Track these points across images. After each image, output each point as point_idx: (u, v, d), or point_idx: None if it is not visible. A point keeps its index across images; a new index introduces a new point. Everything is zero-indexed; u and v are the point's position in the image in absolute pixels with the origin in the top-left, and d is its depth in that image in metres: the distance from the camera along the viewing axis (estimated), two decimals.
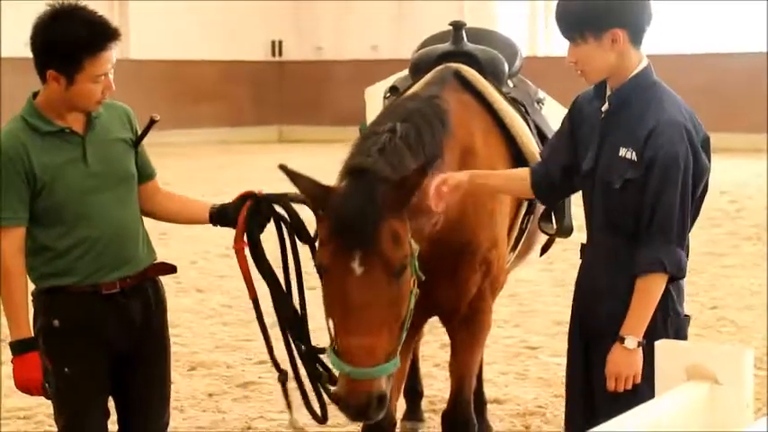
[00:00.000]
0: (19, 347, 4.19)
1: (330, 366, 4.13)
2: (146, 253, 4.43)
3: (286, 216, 4.49)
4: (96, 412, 4.37)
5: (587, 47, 3.98)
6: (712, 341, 7.90)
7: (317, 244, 4.20)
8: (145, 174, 4.47)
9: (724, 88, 23.48)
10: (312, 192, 4.12)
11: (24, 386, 4.23)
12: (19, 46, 24.67)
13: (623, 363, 3.93)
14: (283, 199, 4.48)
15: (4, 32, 24.91)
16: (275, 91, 28.91)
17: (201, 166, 20.96)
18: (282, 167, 4.15)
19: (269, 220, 4.51)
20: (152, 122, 4.40)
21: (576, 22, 3.99)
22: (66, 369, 4.24)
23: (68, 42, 4.08)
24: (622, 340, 3.93)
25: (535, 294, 9.70)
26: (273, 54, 29.98)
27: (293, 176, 4.12)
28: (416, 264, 4.10)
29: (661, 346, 2.32)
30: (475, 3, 26.86)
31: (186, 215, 4.63)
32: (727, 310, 9.23)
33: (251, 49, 29.29)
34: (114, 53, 4.18)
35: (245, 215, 4.47)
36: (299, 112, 26.84)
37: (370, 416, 4.00)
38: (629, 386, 3.91)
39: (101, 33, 4.15)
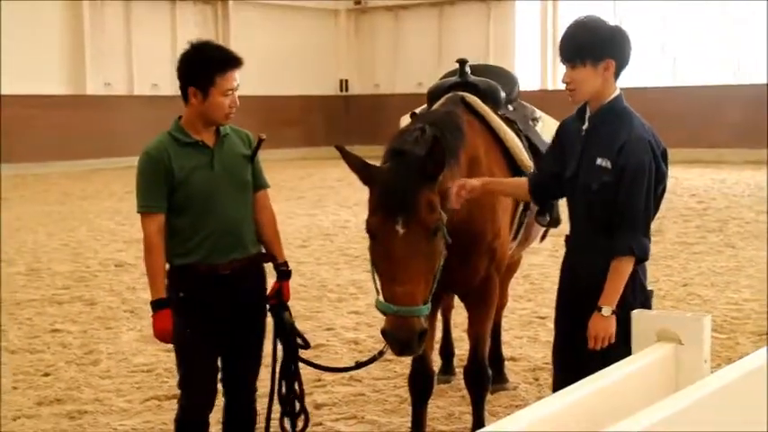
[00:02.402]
0: (156, 305, 4.24)
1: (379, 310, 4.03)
2: (252, 244, 4.43)
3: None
4: (208, 364, 4.38)
5: (585, 70, 3.91)
6: (680, 311, 7.80)
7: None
8: (256, 183, 4.47)
9: (693, 113, 23.33)
10: (359, 168, 4.06)
11: (160, 335, 4.27)
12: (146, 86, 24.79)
13: (600, 326, 3.88)
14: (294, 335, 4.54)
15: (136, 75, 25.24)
16: (343, 118, 29.05)
17: (287, 176, 21.05)
18: (338, 147, 4.11)
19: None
20: (260, 141, 4.45)
21: (581, 49, 3.91)
22: (188, 330, 4.26)
23: (203, 62, 4.19)
24: (599, 309, 3.89)
25: (544, 275, 9.62)
26: (341, 90, 30.15)
27: (345, 155, 4.07)
28: (445, 230, 4.06)
29: (636, 314, 2.28)
30: (498, 47, 26.84)
31: (264, 248, 4.54)
32: (695, 287, 9.11)
33: (324, 86, 29.48)
34: (238, 76, 4.24)
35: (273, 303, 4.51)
36: (360, 134, 26.86)
37: (413, 349, 3.91)
38: (605, 345, 3.88)
39: (227, 56, 4.25)
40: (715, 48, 24.58)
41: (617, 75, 3.96)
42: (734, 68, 24.33)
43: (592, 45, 3.90)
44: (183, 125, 4.31)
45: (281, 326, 4.48)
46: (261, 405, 4.68)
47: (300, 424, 4.59)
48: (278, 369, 4.56)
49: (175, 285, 4.32)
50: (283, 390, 4.54)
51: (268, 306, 4.49)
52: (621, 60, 3.94)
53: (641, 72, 24.08)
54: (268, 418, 4.59)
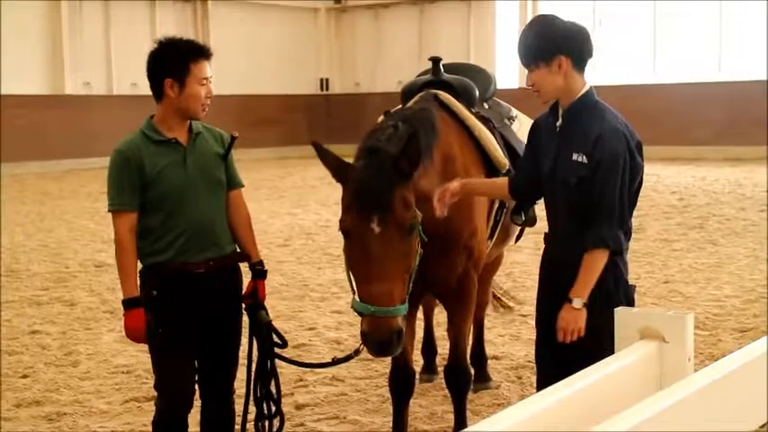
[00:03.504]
0: (128, 304, 4.21)
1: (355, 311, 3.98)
2: (227, 243, 4.40)
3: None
4: (183, 365, 4.35)
5: (540, 71, 3.94)
6: (663, 308, 7.80)
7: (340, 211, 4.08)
8: (231, 182, 4.44)
9: (675, 110, 23.42)
10: (335, 166, 4.01)
11: (132, 335, 4.24)
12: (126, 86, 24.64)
13: (570, 319, 3.87)
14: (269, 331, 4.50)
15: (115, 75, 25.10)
16: (323, 117, 29.00)
17: (267, 176, 21.01)
18: (314, 144, 4.05)
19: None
20: (233, 139, 4.42)
21: (531, 52, 3.96)
22: (160, 330, 4.24)
23: (177, 52, 4.20)
24: (570, 301, 3.88)
25: (526, 273, 9.60)
26: (322, 89, 30.10)
27: (321, 152, 4.02)
28: (420, 228, 4.02)
29: (619, 312, 2.25)
30: (478, 46, 26.87)
31: (240, 247, 4.51)
32: (676, 284, 9.13)
33: (304, 85, 29.42)
34: (210, 66, 4.25)
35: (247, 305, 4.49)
36: (341, 133, 26.71)
37: (391, 349, 3.87)
38: (575, 338, 3.86)
39: (198, 46, 4.28)
40: (696, 45, 24.67)
41: (580, 69, 3.96)
42: (715, 66, 24.40)
43: (539, 46, 3.94)
44: (155, 123, 4.27)
45: (256, 325, 4.44)
46: (240, 406, 4.65)
47: (276, 424, 4.56)
48: (254, 369, 4.53)
49: (147, 284, 4.30)
50: (258, 391, 4.51)
51: (244, 306, 4.46)
52: (576, 55, 3.94)
53: (622, 69, 24.18)
54: (244, 419, 4.56)
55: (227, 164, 4.40)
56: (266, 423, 4.54)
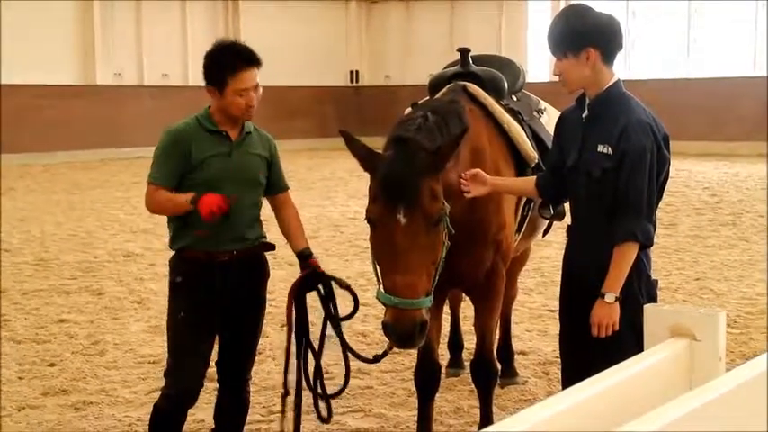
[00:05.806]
0: (193, 200, 4.19)
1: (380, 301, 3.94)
2: (253, 238, 4.44)
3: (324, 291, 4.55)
4: (199, 351, 4.37)
5: (568, 62, 3.92)
6: (694, 306, 7.73)
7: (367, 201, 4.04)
8: (276, 186, 4.55)
9: (709, 106, 23.20)
10: (363, 155, 3.97)
11: (213, 206, 4.17)
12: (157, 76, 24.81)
13: (604, 314, 3.85)
14: (328, 279, 4.53)
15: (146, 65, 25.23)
16: (353, 109, 29.00)
17: (297, 167, 20.99)
18: (342, 132, 4.03)
19: (313, 290, 4.55)
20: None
21: (560, 42, 3.94)
22: (181, 313, 4.33)
23: (216, 66, 4.28)
24: (603, 296, 3.86)
25: (555, 268, 9.52)
26: (352, 81, 30.11)
27: (349, 141, 3.99)
28: (447, 220, 3.98)
29: (648, 309, 2.21)
30: (510, 39, 26.75)
31: (288, 240, 4.60)
32: (708, 281, 9.05)
33: (334, 77, 29.43)
34: (255, 74, 4.28)
35: (298, 283, 4.51)
36: (371, 125, 26.71)
37: (413, 341, 3.83)
38: (609, 332, 3.84)
39: (239, 57, 4.27)
40: (730, 40, 24.43)
41: (609, 62, 3.94)
42: (749, 61, 24.15)
43: (569, 37, 3.92)
44: (211, 113, 4.40)
45: (316, 276, 4.50)
46: (261, 396, 4.63)
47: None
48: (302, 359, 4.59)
49: (173, 270, 4.42)
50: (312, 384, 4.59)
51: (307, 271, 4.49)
52: (605, 48, 3.91)
53: (655, 63, 23.97)
54: (298, 406, 4.58)
55: (272, 168, 4.49)
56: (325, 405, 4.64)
